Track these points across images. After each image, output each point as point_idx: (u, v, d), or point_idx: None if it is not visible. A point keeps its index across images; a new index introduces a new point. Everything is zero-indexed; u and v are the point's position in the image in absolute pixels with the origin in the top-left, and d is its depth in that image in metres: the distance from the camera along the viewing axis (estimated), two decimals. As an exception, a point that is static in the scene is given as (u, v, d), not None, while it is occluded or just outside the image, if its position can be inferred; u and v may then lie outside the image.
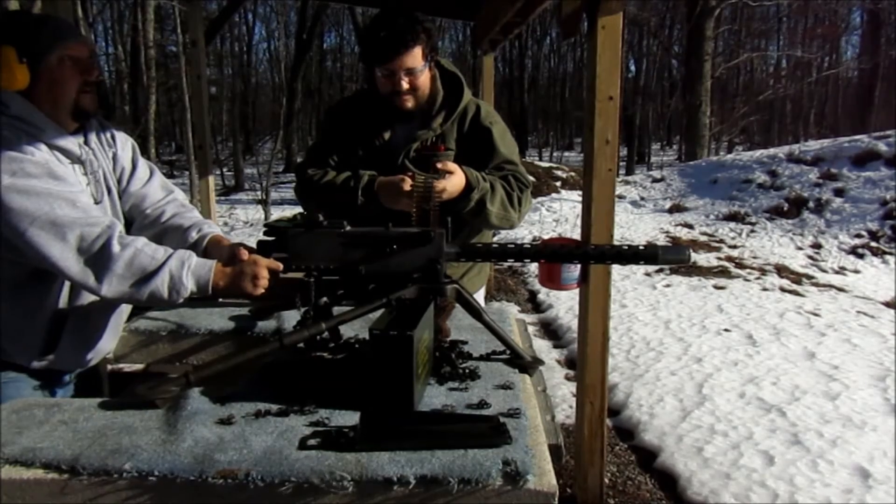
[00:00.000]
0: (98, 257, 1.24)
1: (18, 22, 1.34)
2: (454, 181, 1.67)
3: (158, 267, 1.27)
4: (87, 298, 1.43)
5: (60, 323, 1.41)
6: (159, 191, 1.59)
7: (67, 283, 1.39)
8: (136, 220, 1.56)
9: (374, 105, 1.86)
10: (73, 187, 1.32)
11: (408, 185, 1.64)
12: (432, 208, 1.58)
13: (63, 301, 1.40)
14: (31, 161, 1.27)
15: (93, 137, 1.46)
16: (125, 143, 1.56)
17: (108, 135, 1.52)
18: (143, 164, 1.59)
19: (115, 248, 1.25)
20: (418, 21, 1.73)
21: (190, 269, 1.29)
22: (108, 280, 1.24)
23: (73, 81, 1.36)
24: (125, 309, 1.57)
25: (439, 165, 1.66)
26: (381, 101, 1.83)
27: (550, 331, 4.88)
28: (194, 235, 1.51)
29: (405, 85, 1.75)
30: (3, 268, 1.33)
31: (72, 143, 1.38)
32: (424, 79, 1.79)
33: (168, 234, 1.52)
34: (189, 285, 1.28)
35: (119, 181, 1.54)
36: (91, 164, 1.43)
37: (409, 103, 1.81)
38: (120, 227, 1.31)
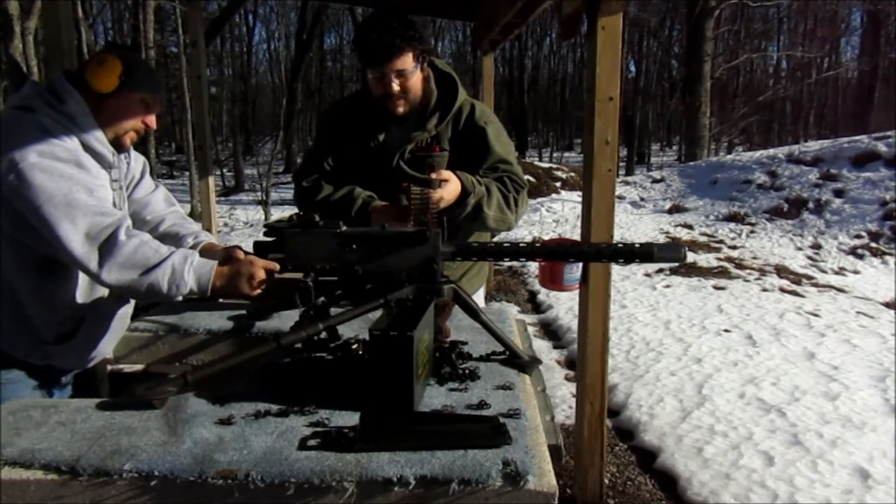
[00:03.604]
0: (104, 244, 1.27)
1: (135, 56, 1.51)
2: (450, 189, 1.66)
3: (161, 260, 1.29)
4: (97, 298, 1.45)
5: (78, 319, 1.44)
6: (162, 202, 1.66)
7: (84, 282, 1.42)
8: (135, 226, 1.58)
9: (368, 106, 1.86)
10: (96, 179, 1.37)
11: (404, 202, 1.64)
12: (430, 220, 1.58)
13: (81, 297, 1.43)
14: (61, 146, 1.33)
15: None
16: (137, 158, 1.65)
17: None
18: (149, 178, 1.67)
19: (122, 236, 1.28)
20: (410, 24, 1.72)
21: (192, 266, 1.30)
22: (109, 265, 1.26)
23: (134, 120, 1.47)
24: (129, 313, 1.58)
25: (433, 175, 1.65)
26: (376, 103, 1.83)
27: (550, 331, 4.88)
28: (190, 241, 1.57)
29: (396, 87, 1.74)
30: (24, 254, 1.35)
31: (108, 150, 1.45)
32: (416, 81, 1.78)
33: (164, 240, 1.55)
34: (189, 282, 1.29)
35: (126, 188, 1.58)
36: (118, 173, 1.51)
37: (401, 108, 1.79)
38: (129, 222, 1.34)
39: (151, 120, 1.50)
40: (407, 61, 1.72)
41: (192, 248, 1.53)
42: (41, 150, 1.29)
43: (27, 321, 1.39)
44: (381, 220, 1.70)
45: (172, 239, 1.58)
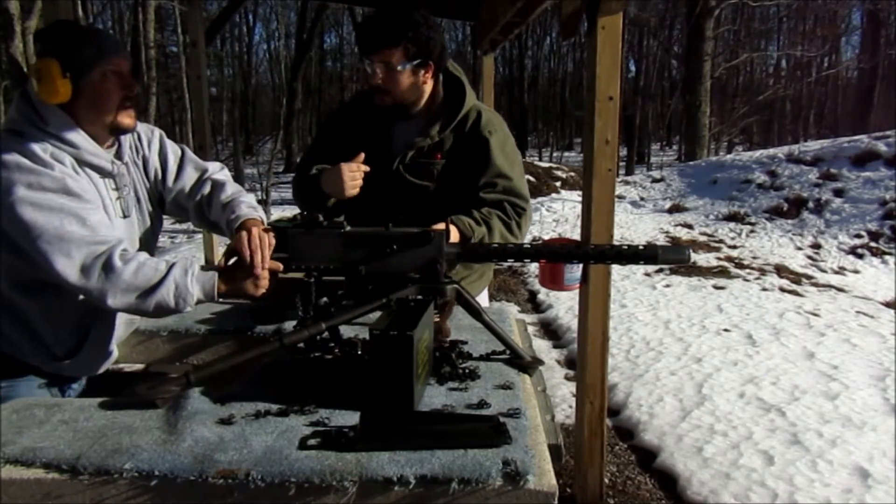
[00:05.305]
0: (102, 273, 1.25)
1: (63, 35, 1.33)
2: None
3: (162, 277, 1.27)
4: (101, 309, 1.44)
5: (84, 331, 1.43)
6: (193, 175, 1.58)
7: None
8: (185, 211, 1.58)
9: (373, 106, 1.84)
10: (87, 204, 1.32)
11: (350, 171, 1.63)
12: None
13: (86, 310, 1.41)
14: (48, 175, 1.28)
15: (126, 149, 1.47)
16: (151, 140, 1.56)
17: (135, 137, 1.52)
18: (171, 154, 1.58)
19: (118, 262, 1.26)
20: (409, 22, 1.68)
21: (194, 276, 1.29)
22: (112, 293, 1.25)
23: (114, 97, 1.36)
24: (137, 319, 1.57)
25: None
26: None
27: (550, 331, 4.88)
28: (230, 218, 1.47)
29: (378, 80, 1.72)
30: (26, 276, 1.33)
31: (104, 159, 1.40)
32: (403, 79, 1.74)
33: (213, 214, 1.52)
34: (195, 292, 1.29)
35: (155, 182, 1.55)
36: (122, 179, 1.45)
37: (382, 102, 1.78)
38: (125, 245, 1.31)
39: (126, 82, 1.36)
40: (394, 56, 1.69)
41: (230, 223, 1.43)
42: (29, 181, 1.25)
43: (37, 337, 1.39)
44: (328, 182, 1.70)
45: (220, 212, 1.48)
